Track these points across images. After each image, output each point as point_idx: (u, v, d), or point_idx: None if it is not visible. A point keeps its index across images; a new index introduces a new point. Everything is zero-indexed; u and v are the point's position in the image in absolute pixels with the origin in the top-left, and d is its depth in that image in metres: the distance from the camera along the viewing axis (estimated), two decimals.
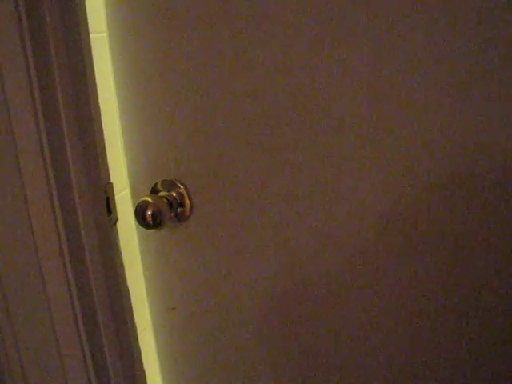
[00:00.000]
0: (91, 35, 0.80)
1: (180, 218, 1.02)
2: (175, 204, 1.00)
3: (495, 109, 0.80)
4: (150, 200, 0.95)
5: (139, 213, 0.95)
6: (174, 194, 1.00)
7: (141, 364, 0.95)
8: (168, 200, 0.99)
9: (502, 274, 0.87)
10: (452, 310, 0.91)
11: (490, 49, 0.77)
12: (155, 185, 1.01)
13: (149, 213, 0.95)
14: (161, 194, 1.00)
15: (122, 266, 0.89)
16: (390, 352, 0.97)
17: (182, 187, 1.00)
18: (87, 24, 0.79)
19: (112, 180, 0.86)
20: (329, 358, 1.02)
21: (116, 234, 0.88)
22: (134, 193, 1.05)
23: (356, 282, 0.95)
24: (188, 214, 1.01)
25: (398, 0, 0.79)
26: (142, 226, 0.96)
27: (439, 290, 0.91)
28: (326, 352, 1.01)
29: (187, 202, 1.00)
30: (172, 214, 1.00)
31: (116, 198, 0.88)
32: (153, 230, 1.05)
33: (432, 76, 0.81)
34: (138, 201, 0.96)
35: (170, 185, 1.00)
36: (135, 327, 0.93)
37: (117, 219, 0.88)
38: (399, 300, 0.93)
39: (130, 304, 0.92)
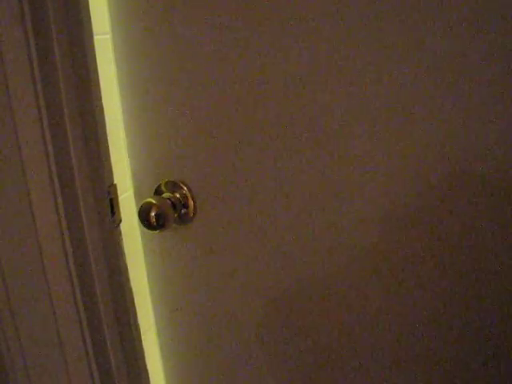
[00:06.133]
0: (95, 37, 0.81)
1: (183, 220, 1.02)
2: (179, 205, 1.00)
3: (498, 111, 0.80)
4: (153, 201, 0.95)
5: (143, 214, 0.96)
6: (178, 195, 1.00)
7: (144, 365, 0.95)
8: (171, 201, 0.99)
9: (505, 275, 0.86)
10: (456, 312, 0.91)
11: (491, 50, 0.77)
12: (159, 186, 1.02)
13: (152, 214, 0.95)
14: (164, 195, 1.01)
15: (125, 267, 0.89)
16: (392, 354, 0.97)
17: (185, 188, 1.00)
18: (91, 25, 0.79)
19: (115, 181, 0.87)
20: (330, 361, 1.01)
21: (119, 235, 0.88)
22: (138, 194, 1.05)
23: (359, 284, 0.95)
24: (191, 215, 1.01)
25: (403, 4, 0.79)
26: (146, 227, 0.96)
27: (443, 293, 0.90)
28: (328, 354, 1.01)
29: (191, 203, 1.00)
30: (175, 215, 1.00)
31: (119, 199, 0.88)
32: (156, 232, 1.05)
33: (434, 78, 0.81)
34: (142, 202, 0.96)
35: (174, 186, 1.00)
36: (138, 328, 0.93)
37: (120, 220, 0.88)
38: (403, 302, 0.93)
39: (134, 305, 0.92)
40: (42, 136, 0.67)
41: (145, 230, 0.98)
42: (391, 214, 0.89)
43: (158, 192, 1.02)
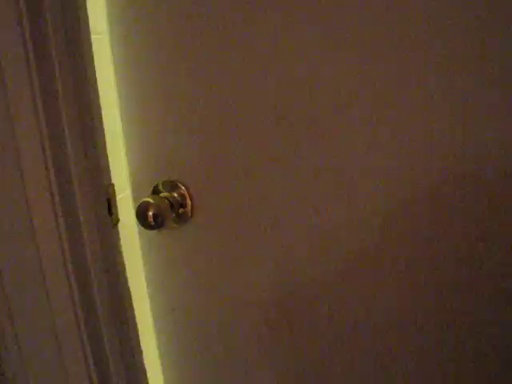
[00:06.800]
0: (92, 36, 0.81)
1: (181, 219, 1.02)
2: (176, 205, 1.00)
3: (496, 111, 0.80)
4: (151, 201, 0.95)
5: (140, 213, 0.95)
6: (176, 195, 1.00)
7: (142, 365, 0.95)
8: (169, 201, 0.99)
9: (504, 274, 0.87)
10: (455, 313, 0.91)
11: (491, 52, 0.78)
12: (156, 185, 1.01)
13: (150, 213, 0.94)
14: (162, 194, 1.00)
15: (123, 266, 0.89)
16: (389, 355, 0.97)
17: (183, 188, 1.00)
18: (88, 25, 0.79)
19: (113, 181, 0.87)
20: (328, 361, 1.02)
21: (117, 234, 0.88)
22: (136, 194, 1.05)
23: (356, 283, 0.95)
24: (189, 214, 1.01)
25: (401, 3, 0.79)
26: (144, 226, 0.96)
27: (441, 292, 0.91)
28: (326, 354, 1.01)
29: (188, 202, 1.00)
30: (173, 214, 1.00)
31: (117, 198, 0.88)
32: (154, 231, 1.05)
33: (433, 77, 0.81)
34: (140, 202, 0.96)
35: (172, 185, 1.00)
36: (136, 328, 0.93)
37: (118, 220, 0.88)
38: (400, 302, 0.93)
39: (132, 305, 0.92)
40: (39, 136, 0.67)
41: (142, 229, 0.98)
42: (390, 215, 0.89)
43: (155, 191, 1.02)
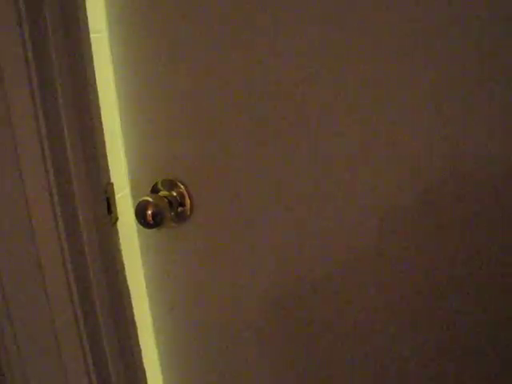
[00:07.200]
0: (91, 35, 0.80)
1: (180, 218, 1.02)
2: (175, 203, 1.00)
3: (496, 111, 0.80)
4: (150, 199, 0.95)
5: (139, 212, 0.95)
6: (175, 194, 1.00)
7: (141, 364, 0.95)
8: (168, 199, 0.98)
9: (504, 274, 0.87)
10: (455, 313, 0.91)
11: (491, 52, 0.78)
12: (155, 184, 1.01)
13: (149, 212, 0.94)
14: (161, 193, 1.00)
15: (122, 265, 0.89)
16: (389, 355, 0.97)
17: (182, 187, 1.00)
18: (88, 25, 0.79)
19: (112, 180, 0.86)
20: (328, 361, 1.02)
21: (116, 233, 0.89)
22: (135, 192, 1.05)
23: (356, 283, 0.95)
24: (188, 213, 1.01)
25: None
26: (143, 225, 0.96)
27: (441, 292, 0.91)
28: (326, 354, 1.01)
29: (188, 201, 1.00)
30: (172, 213, 1.00)
31: (116, 197, 0.88)
32: (153, 230, 1.05)
33: (433, 77, 0.81)
34: (139, 200, 0.96)
35: (171, 184, 1.00)
36: (135, 327, 0.93)
37: (117, 219, 0.88)
38: (400, 302, 0.93)
39: (131, 303, 0.92)
40: (38, 136, 0.67)
41: (141, 228, 0.98)
42: (389, 215, 0.89)
43: (154, 190, 1.02)
